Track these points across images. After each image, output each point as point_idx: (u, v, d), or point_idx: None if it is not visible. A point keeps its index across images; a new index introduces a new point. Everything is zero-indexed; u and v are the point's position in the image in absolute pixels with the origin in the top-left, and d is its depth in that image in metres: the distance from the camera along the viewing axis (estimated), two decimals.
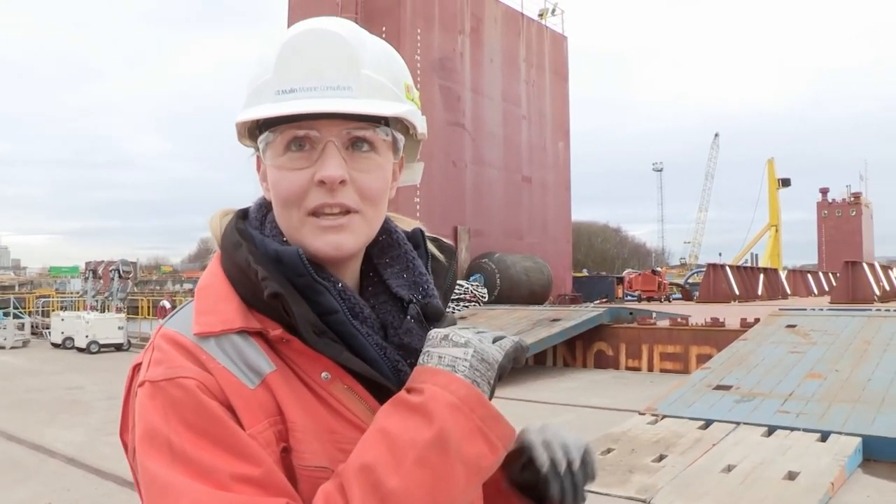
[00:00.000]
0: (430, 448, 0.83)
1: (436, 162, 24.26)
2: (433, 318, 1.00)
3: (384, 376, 0.93)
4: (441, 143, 24.57)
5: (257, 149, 0.97)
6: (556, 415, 9.02)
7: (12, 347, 20.26)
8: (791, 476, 5.41)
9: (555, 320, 13.88)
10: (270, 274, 0.90)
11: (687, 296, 39.20)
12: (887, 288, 24.93)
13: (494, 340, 0.92)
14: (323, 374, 0.90)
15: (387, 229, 1.05)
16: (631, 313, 14.78)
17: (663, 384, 10.50)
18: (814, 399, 7.37)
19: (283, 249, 0.92)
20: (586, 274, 48.00)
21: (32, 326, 23.60)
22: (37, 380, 13.99)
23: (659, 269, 52.19)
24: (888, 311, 12.60)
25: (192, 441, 0.82)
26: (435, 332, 0.93)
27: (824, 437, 6.37)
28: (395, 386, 0.92)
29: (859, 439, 6.22)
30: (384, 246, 1.04)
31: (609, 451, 6.28)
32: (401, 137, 0.98)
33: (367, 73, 0.92)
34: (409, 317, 0.98)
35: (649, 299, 36.22)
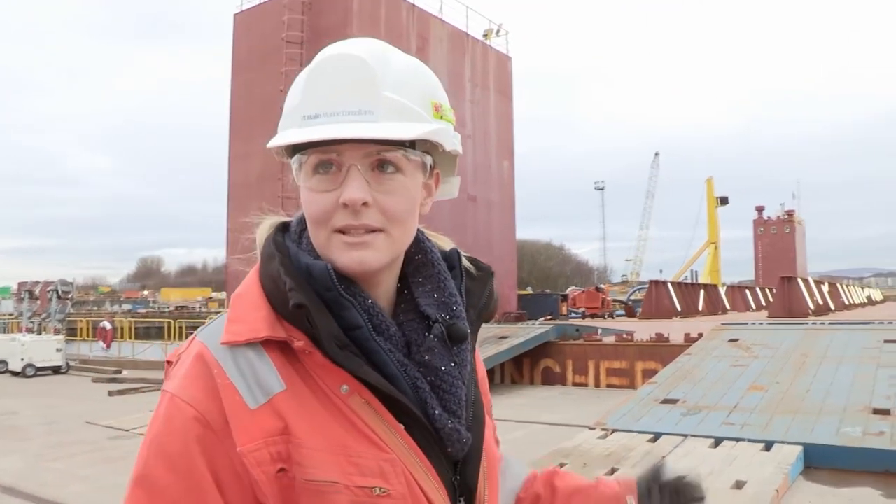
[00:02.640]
0: None
1: None
2: (457, 338, 1.02)
3: (401, 392, 0.94)
4: None
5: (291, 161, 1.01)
6: (507, 432, 9.08)
7: None
8: (738, 485, 5.56)
9: (503, 338, 13.94)
10: (300, 286, 0.93)
11: (630, 312, 39.65)
12: (820, 302, 25.69)
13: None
14: (342, 387, 0.93)
15: (422, 249, 1.08)
16: (577, 330, 14.99)
17: (610, 399, 10.66)
18: (757, 410, 7.59)
19: (314, 264, 0.96)
20: (531, 292, 48.40)
21: None
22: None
23: (602, 286, 52.90)
24: (822, 324, 13.04)
25: (167, 483, 0.89)
26: None
27: (768, 446, 6.56)
28: (412, 402, 0.95)
29: (801, 448, 6.43)
30: (419, 265, 1.07)
31: (561, 465, 6.36)
32: (428, 157, 1.01)
33: (389, 96, 0.94)
34: (431, 335, 1.00)
35: (593, 316, 36.53)
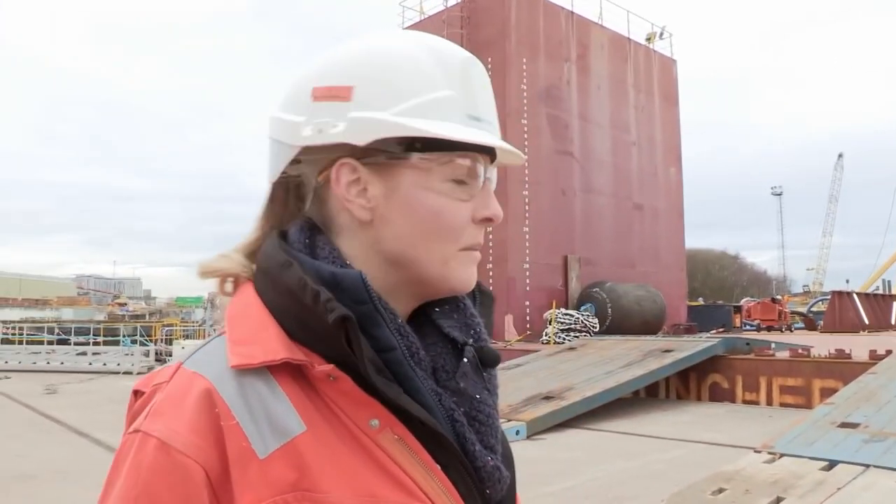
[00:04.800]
0: None
1: (544, 190, 24.12)
2: (489, 362, 0.90)
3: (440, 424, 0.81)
4: (549, 171, 24.42)
5: (393, 158, 0.85)
6: (665, 450, 8.65)
7: (138, 373, 21.25)
8: None
9: (666, 351, 13.41)
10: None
11: (810, 325, 37.26)
12: None
13: None
14: (372, 422, 0.78)
15: None
16: (748, 343, 14.12)
17: (782, 419, 9.92)
18: None
19: (343, 272, 0.82)
20: (702, 303, 46.40)
21: (156, 354, 24.73)
22: None
23: (779, 297, 49.89)
24: None
25: None
26: None
27: None
28: (451, 436, 0.82)
29: None
30: None
31: (721, 490, 5.92)
32: None
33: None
34: (465, 360, 0.87)
35: (769, 329, 34.58)
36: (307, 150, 0.86)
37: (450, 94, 0.84)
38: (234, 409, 0.75)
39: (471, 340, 0.89)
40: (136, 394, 0.83)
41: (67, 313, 46.04)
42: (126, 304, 65.73)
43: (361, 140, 0.82)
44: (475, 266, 0.89)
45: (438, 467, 0.79)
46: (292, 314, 0.80)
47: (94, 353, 23.33)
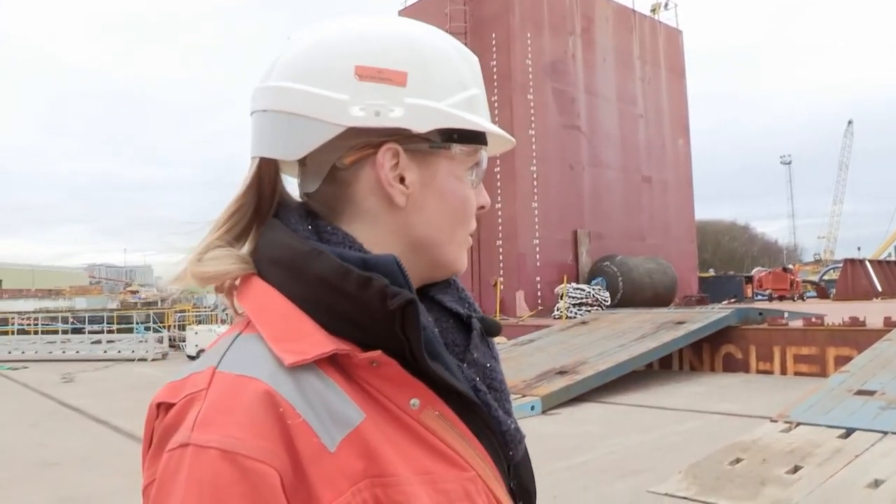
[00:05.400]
0: None
1: (552, 166, 24.04)
2: (493, 332, 0.94)
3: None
4: (556, 146, 24.32)
5: (435, 147, 0.86)
6: (681, 422, 8.66)
7: (153, 360, 21.39)
8: None
9: (679, 323, 13.39)
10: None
11: (823, 294, 37.20)
12: None
13: None
14: (412, 402, 0.78)
15: None
16: (760, 313, 14.08)
17: (797, 389, 9.89)
18: None
19: (375, 258, 0.80)
20: (713, 274, 46.29)
21: (170, 340, 24.87)
22: None
23: (791, 266, 49.73)
24: None
25: None
26: None
27: None
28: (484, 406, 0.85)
29: None
30: None
31: (738, 460, 5.93)
32: None
33: None
34: (475, 332, 0.90)
35: (781, 298, 34.57)
36: (349, 131, 0.83)
37: (478, 93, 0.90)
38: (297, 407, 0.72)
39: (472, 313, 0.93)
40: (160, 406, 0.76)
41: (80, 302, 46.32)
42: (138, 291, 65.95)
43: (420, 127, 0.83)
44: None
45: (475, 437, 0.82)
46: (325, 305, 0.78)
47: (108, 342, 23.45)
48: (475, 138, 0.88)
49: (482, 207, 0.94)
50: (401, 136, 0.83)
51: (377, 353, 0.76)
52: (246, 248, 0.88)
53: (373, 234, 0.85)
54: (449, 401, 0.80)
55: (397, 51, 0.85)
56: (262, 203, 0.89)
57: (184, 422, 0.71)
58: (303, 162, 0.87)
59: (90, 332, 26.55)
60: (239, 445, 0.68)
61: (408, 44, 0.86)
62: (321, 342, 0.76)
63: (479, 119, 0.88)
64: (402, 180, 0.84)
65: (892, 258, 53.05)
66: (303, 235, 0.83)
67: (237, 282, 0.86)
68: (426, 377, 0.78)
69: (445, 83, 0.86)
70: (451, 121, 0.85)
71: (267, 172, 0.89)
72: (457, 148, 0.87)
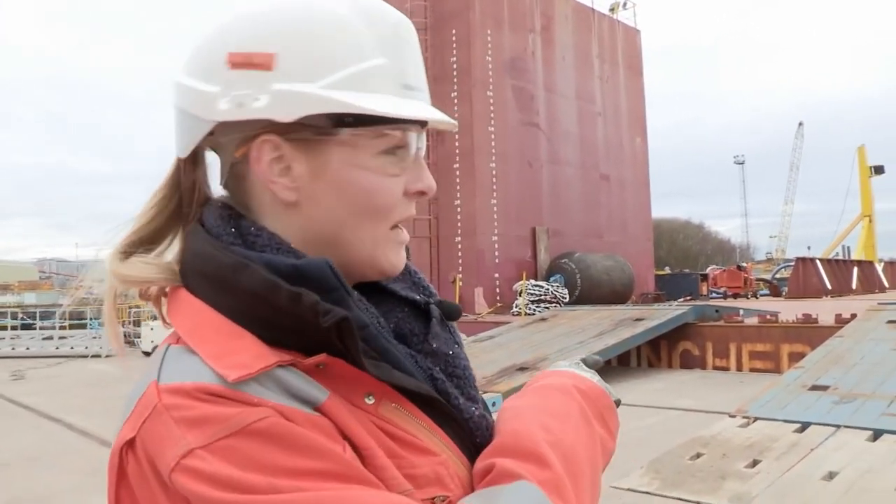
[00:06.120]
0: (580, 418, 0.87)
1: (511, 163, 24.13)
2: (452, 316, 0.91)
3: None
4: (515, 143, 24.42)
5: (321, 134, 0.79)
6: (641, 418, 8.74)
7: (107, 356, 21.03)
8: None
9: (638, 320, 13.53)
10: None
11: (775, 292, 37.92)
12: None
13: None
14: (367, 398, 0.76)
15: None
16: (717, 311, 14.30)
17: (753, 385, 10.06)
18: None
19: (306, 264, 0.76)
20: (669, 272, 46.97)
21: (125, 336, 24.46)
22: (128, 386, 14.40)
23: (744, 264, 50.67)
24: None
25: (310, 481, 0.65)
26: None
27: None
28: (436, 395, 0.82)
29: None
30: None
31: (698, 455, 6.00)
32: None
33: None
34: (433, 319, 0.88)
35: (735, 296, 35.18)
36: (224, 125, 0.78)
37: (381, 63, 0.78)
38: (264, 396, 0.69)
39: (429, 298, 0.91)
40: (125, 448, 0.71)
41: (30, 298, 45.21)
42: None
43: (286, 116, 0.75)
44: (403, 249, 0.86)
45: (437, 426, 0.81)
46: (259, 318, 0.74)
47: (60, 338, 22.97)
48: (377, 119, 0.78)
49: (421, 193, 0.84)
50: (281, 126, 0.77)
51: (322, 357, 0.73)
52: (171, 254, 0.85)
53: (284, 231, 0.81)
54: (405, 392, 0.78)
55: (269, 32, 0.77)
56: (182, 199, 0.85)
57: (166, 441, 0.67)
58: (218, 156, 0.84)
59: (41, 328, 25.98)
60: (239, 421, 0.66)
61: (282, 21, 0.78)
62: (262, 354, 0.72)
63: (364, 98, 0.76)
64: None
65: (840, 257, 54.38)
66: (226, 242, 0.79)
67: (166, 289, 0.82)
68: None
69: (326, 59, 0.76)
70: (323, 105, 0.75)
71: (186, 169, 0.85)
72: (347, 133, 0.78)
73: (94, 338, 22.08)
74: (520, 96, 25.09)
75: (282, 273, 0.75)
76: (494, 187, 23.52)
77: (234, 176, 0.83)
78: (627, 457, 6.65)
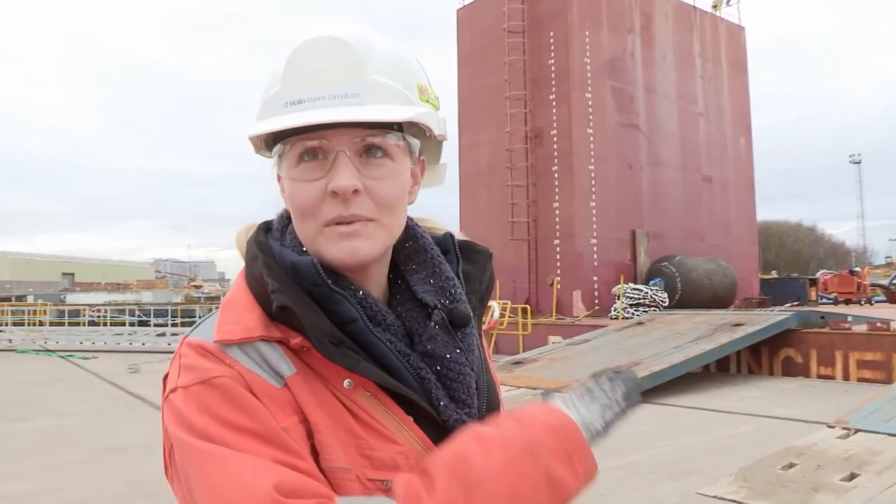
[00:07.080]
0: (521, 453, 0.84)
1: (610, 165, 23.82)
2: (460, 323, 0.99)
3: (406, 385, 0.92)
4: (614, 145, 24.08)
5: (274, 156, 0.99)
6: (735, 425, 8.57)
7: None
8: None
9: (737, 325, 13.19)
10: (285, 286, 0.91)
11: (892, 298, 36.02)
12: None
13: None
14: (345, 382, 0.90)
15: (413, 235, 1.04)
16: (822, 317, 13.78)
17: (859, 395, 9.68)
18: None
19: (299, 260, 0.93)
20: (775, 276, 45.22)
21: None
22: None
23: (858, 269, 48.28)
24: None
25: (234, 435, 0.82)
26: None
27: None
28: (418, 394, 0.92)
29: None
30: (410, 252, 1.04)
31: (791, 465, 5.87)
32: (416, 141, 0.97)
33: (376, 78, 0.91)
34: (432, 323, 0.96)
35: (847, 302, 33.58)
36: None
37: (274, 90, 0.93)
38: (240, 360, 0.88)
39: (446, 303, 0.98)
40: (166, 378, 0.93)
41: (147, 296, 47.55)
42: (201, 286, 67.48)
43: (253, 144, 1.01)
44: (352, 240, 0.91)
45: (411, 419, 0.91)
46: (266, 299, 0.92)
47: (172, 334, 24.14)
48: (279, 137, 0.93)
49: (334, 193, 0.90)
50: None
51: (300, 340, 0.90)
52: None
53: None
54: (382, 386, 0.90)
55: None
56: None
57: (171, 378, 0.91)
58: None
59: (155, 325, 27.34)
60: (208, 374, 0.86)
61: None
62: (252, 328, 0.90)
63: (260, 124, 0.93)
64: None
65: None
66: (274, 236, 1.01)
67: None
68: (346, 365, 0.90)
69: (261, 94, 0.96)
70: (252, 132, 0.94)
71: None
72: (276, 150, 0.96)
73: None
74: (619, 98, 24.73)
75: (286, 267, 0.93)
76: (593, 189, 23.27)
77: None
78: (718, 464, 6.57)
